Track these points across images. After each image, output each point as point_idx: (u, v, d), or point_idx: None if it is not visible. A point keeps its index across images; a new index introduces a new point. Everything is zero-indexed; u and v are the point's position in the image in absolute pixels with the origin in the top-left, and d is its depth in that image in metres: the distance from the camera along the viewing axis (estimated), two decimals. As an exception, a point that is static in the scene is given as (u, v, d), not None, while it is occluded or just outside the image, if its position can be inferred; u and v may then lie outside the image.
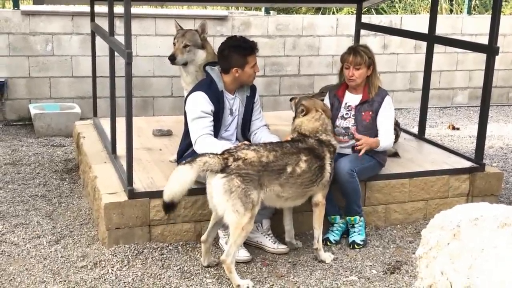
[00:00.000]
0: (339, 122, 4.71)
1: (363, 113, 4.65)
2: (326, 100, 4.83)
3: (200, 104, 4.31)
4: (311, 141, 4.20)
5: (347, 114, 4.70)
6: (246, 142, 4.15)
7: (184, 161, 3.82)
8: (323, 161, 4.19)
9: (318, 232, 4.26)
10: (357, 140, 4.52)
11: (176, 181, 3.74)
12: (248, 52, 4.38)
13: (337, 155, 4.56)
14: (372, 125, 4.65)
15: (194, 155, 4.28)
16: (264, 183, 3.88)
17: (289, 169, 3.99)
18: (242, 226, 3.77)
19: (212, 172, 3.78)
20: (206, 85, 4.41)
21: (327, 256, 4.27)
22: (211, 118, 4.34)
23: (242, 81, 4.46)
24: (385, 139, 4.61)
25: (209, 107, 4.32)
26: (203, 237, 4.06)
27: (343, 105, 4.72)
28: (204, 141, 4.26)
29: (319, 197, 4.23)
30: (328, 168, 4.22)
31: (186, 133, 4.49)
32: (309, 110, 4.34)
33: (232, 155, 3.83)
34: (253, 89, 4.64)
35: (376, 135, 4.63)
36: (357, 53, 4.60)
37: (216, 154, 3.85)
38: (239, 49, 4.37)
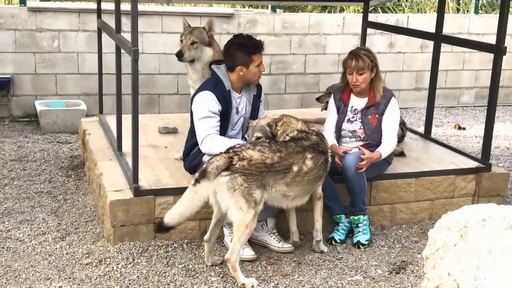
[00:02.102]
0: (345, 125, 4.69)
1: (369, 117, 4.63)
2: (331, 102, 4.80)
3: (207, 104, 4.29)
4: (314, 137, 4.20)
5: (353, 117, 4.68)
6: (251, 141, 4.14)
7: (196, 178, 3.77)
8: (327, 154, 4.23)
9: (320, 224, 4.34)
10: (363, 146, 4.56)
11: (191, 204, 3.79)
12: (253, 51, 4.35)
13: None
14: (379, 127, 4.64)
15: (200, 155, 4.29)
16: (269, 183, 3.89)
17: (295, 168, 3.99)
18: (245, 224, 3.78)
19: None
20: (213, 84, 4.39)
21: (325, 247, 4.39)
22: (218, 118, 4.32)
23: (247, 79, 4.44)
24: (387, 147, 4.60)
25: (216, 106, 4.30)
26: (206, 236, 4.06)
27: (349, 108, 4.70)
28: (212, 141, 4.24)
29: (319, 190, 4.29)
30: (330, 159, 4.28)
31: (192, 131, 4.47)
32: (279, 120, 4.31)
33: (237, 154, 3.82)
34: (259, 88, 4.63)
35: None
36: (359, 58, 4.55)
37: (221, 154, 3.84)
38: (244, 47, 4.35)
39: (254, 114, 4.60)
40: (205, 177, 3.74)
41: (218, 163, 3.76)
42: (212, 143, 4.22)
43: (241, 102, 4.50)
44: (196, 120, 4.34)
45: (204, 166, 3.83)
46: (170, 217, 3.82)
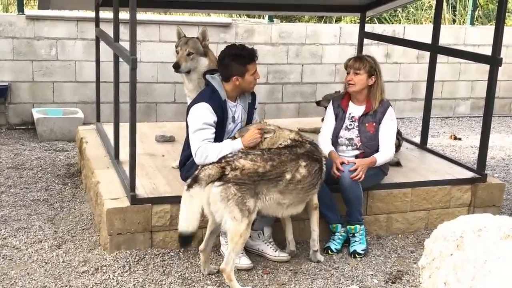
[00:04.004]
0: (343, 133, 4.71)
1: (366, 124, 4.65)
2: (330, 109, 4.83)
3: (202, 116, 4.29)
4: (308, 146, 4.22)
5: (350, 125, 4.70)
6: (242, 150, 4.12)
7: (189, 184, 3.76)
8: (321, 163, 4.24)
9: (317, 234, 4.34)
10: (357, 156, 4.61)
11: (193, 207, 3.72)
12: (247, 60, 4.37)
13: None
14: (376, 136, 4.66)
15: (196, 165, 4.29)
16: (262, 191, 3.90)
17: (288, 176, 4.00)
18: (240, 233, 3.79)
19: None
20: (208, 95, 4.39)
21: (321, 257, 4.40)
22: (213, 130, 4.32)
23: (243, 88, 4.47)
24: (383, 154, 4.63)
25: (212, 118, 4.31)
26: (201, 246, 4.06)
27: (347, 115, 4.73)
28: (205, 149, 4.22)
29: (315, 199, 4.30)
30: (324, 168, 4.28)
31: (188, 142, 4.47)
32: (268, 132, 4.31)
33: (229, 164, 3.84)
34: (253, 96, 4.65)
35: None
36: (358, 58, 4.65)
37: (214, 164, 3.86)
38: (239, 58, 4.37)
39: (249, 121, 4.61)
40: (197, 183, 3.72)
41: (210, 171, 3.77)
42: (206, 151, 4.21)
43: (236, 111, 4.52)
44: (191, 132, 4.34)
45: (196, 172, 3.84)
46: (181, 226, 3.75)
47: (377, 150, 4.66)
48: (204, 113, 4.29)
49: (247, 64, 4.36)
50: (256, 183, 3.86)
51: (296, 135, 4.29)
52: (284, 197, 4.01)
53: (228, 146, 4.22)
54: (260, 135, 4.26)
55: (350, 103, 4.75)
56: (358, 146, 4.68)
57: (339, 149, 4.75)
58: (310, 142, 4.30)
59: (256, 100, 4.68)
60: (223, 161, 3.88)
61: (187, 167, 4.48)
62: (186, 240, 3.79)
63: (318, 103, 5.94)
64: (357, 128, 4.68)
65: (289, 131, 4.32)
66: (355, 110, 4.72)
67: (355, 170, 4.45)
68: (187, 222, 3.73)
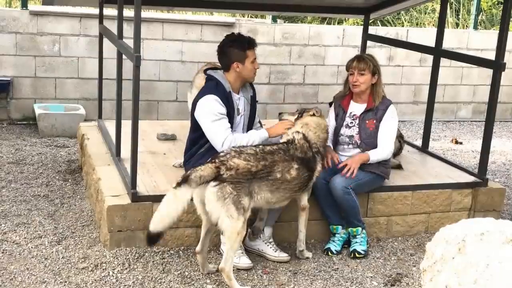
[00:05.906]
0: (343, 130, 4.72)
1: (367, 121, 4.65)
2: (331, 109, 4.83)
3: (215, 106, 4.28)
4: (309, 154, 4.23)
5: (351, 123, 4.71)
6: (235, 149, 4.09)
7: (178, 182, 3.73)
8: (313, 173, 4.27)
9: (304, 234, 4.39)
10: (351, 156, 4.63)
11: (174, 207, 3.69)
12: (246, 46, 4.39)
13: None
14: (375, 133, 4.64)
15: (199, 163, 4.27)
16: (255, 190, 3.92)
17: (278, 175, 4.03)
18: (237, 231, 3.80)
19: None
20: (214, 88, 4.38)
21: (310, 253, 4.46)
22: (227, 119, 4.34)
23: (244, 77, 4.45)
24: (379, 152, 4.60)
25: (223, 109, 4.31)
26: (197, 248, 4.06)
27: (347, 114, 4.73)
28: (233, 139, 4.23)
29: (305, 201, 4.34)
30: (314, 179, 4.32)
31: (192, 140, 4.46)
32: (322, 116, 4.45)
33: (223, 163, 3.84)
34: (253, 88, 4.66)
35: None
36: (361, 59, 4.65)
37: (208, 164, 3.86)
38: (238, 43, 4.39)
39: (252, 114, 4.61)
40: (187, 183, 3.71)
41: (203, 173, 3.76)
42: (235, 140, 4.23)
43: (240, 103, 4.51)
44: (208, 123, 4.30)
45: (188, 172, 3.84)
46: (153, 224, 3.72)
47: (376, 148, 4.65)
48: (215, 104, 4.29)
49: (246, 50, 4.38)
50: (250, 181, 3.89)
51: (314, 138, 4.34)
52: (273, 196, 4.05)
53: (257, 136, 4.33)
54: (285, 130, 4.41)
55: (352, 102, 4.75)
56: (358, 144, 4.67)
57: (340, 147, 4.75)
58: (315, 152, 4.30)
59: (256, 93, 4.69)
60: (217, 161, 3.88)
61: (190, 166, 4.47)
62: (154, 240, 3.77)
63: (331, 104, 5.91)
64: (358, 125, 4.67)
65: (326, 137, 4.49)
66: (357, 108, 4.72)
67: (348, 170, 4.47)
68: (161, 220, 3.69)
